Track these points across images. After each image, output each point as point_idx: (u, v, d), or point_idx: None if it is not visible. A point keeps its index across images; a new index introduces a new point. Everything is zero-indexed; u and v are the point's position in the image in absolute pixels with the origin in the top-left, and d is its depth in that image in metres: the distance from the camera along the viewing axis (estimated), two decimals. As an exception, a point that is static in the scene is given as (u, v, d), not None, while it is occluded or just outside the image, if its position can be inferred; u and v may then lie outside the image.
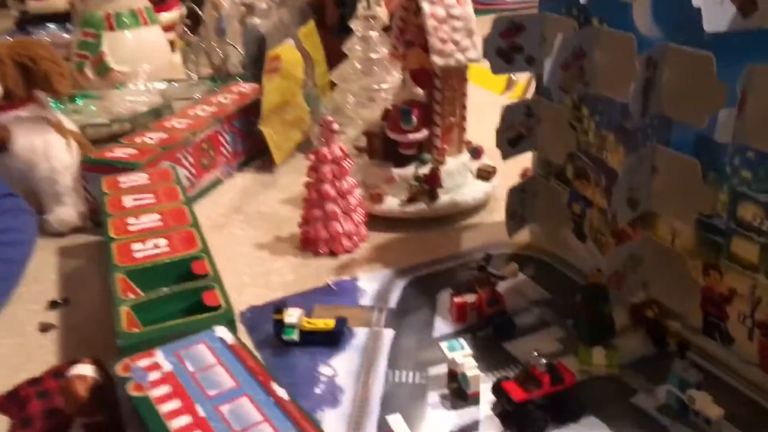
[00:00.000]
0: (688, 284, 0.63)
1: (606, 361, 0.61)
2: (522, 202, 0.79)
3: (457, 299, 0.68)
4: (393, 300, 0.73)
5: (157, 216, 0.74)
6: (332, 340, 0.66)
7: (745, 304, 0.58)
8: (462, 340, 0.61)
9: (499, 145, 0.75)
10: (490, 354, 0.64)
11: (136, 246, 0.68)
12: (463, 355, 0.59)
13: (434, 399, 0.59)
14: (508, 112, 0.74)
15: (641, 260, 0.67)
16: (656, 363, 0.62)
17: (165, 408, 0.47)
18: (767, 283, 0.56)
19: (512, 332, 0.66)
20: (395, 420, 0.52)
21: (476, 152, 0.93)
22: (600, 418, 0.56)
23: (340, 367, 0.63)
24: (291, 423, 0.46)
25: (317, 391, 0.60)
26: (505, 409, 0.57)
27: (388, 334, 0.68)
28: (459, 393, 0.59)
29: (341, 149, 0.80)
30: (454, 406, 0.58)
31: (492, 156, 0.97)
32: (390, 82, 1.02)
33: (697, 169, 0.58)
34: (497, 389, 0.57)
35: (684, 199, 0.61)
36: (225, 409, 0.48)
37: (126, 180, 0.82)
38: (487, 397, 0.59)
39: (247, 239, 0.86)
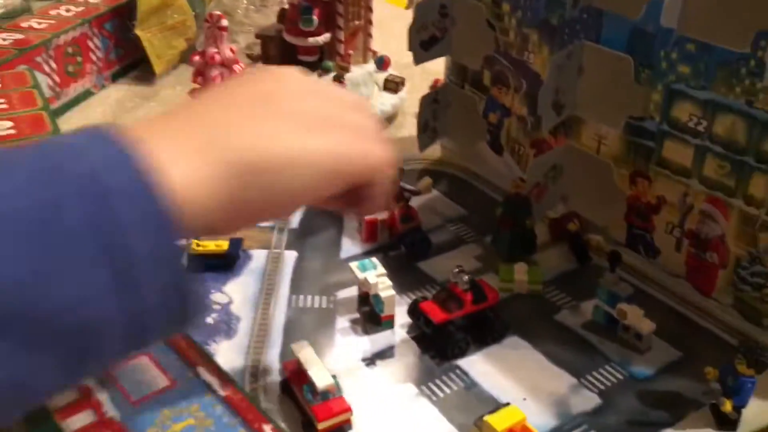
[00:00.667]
0: (613, 194, 0.58)
1: (528, 277, 0.56)
2: (434, 114, 0.73)
3: (367, 217, 0.61)
4: (295, 219, 0.65)
5: (9, 123, 0.62)
6: (226, 263, 0.58)
7: (674, 213, 0.55)
8: (374, 260, 0.55)
9: (411, 47, 0.67)
10: (403, 274, 0.57)
11: (-19, 157, 0.57)
12: (375, 275, 0.53)
13: (344, 324, 0.53)
14: (422, 10, 0.66)
15: (562, 171, 0.62)
16: (579, 279, 0.58)
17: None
18: (700, 189, 0.52)
19: (427, 251, 0.60)
20: (301, 347, 0.45)
21: (382, 62, 0.85)
22: (523, 338, 0.52)
23: (236, 293, 0.56)
24: (176, 355, 0.38)
25: (209, 320, 0.52)
26: (422, 332, 0.51)
27: (290, 256, 0.60)
28: (371, 317, 0.53)
29: (232, 50, 0.70)
30: (366, 331, 0.52)
31: (399, 69, 0.89)
32: (286, -18, 0.91)
33: (629, 66, 0.53)
34: (414, 311, 0.51)
35: (613, 101, 0.56)
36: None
37: (-28, 84, 0.69)
38: (401, 320, 0.53)
39: (124, 156, 0.75)
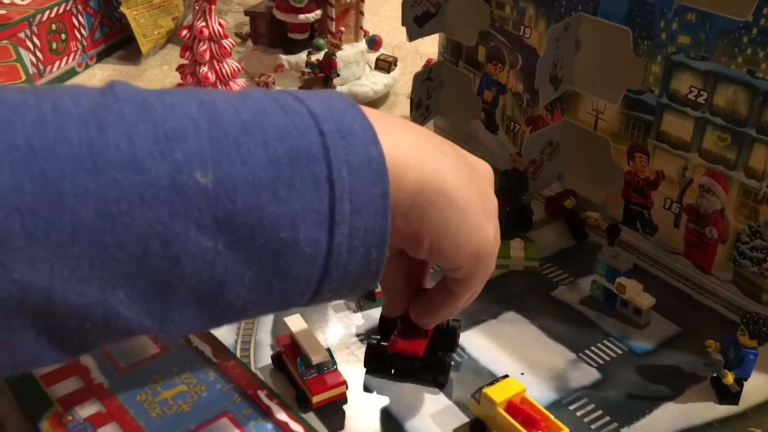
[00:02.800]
0: (611, 170, 0.58)
1: (524, 254, 0.55)
2: (427, 92, 0.72)
3: None
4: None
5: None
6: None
7: (672, 188, 0.54)
8: (368, 234, 0.53)
9: (404, 22, 0.66)
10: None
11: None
12: (370, 249, 0.52)
13: (337, 301, 0.51)
14: (416, -17, 0.65)
15: (558, 147, 0.62)
16: (576, 256, 0.57)
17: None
18: (700, 163, 0.51)
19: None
20: (294, 321, 0.44)
21: (374, 42, 0.84)
22: (521, 313, 0.51)
23: (226, 269, 0.54)
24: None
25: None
26: (418, 308, 0.50)
27: (281, 232, 0.59)
28: (365, 293, 0.52)
29: (220, 24, 0.68)
30: (361, 307, 0.51)
31: (390, 50, 0.88)
32: (276, -39, 0.89)
33: (628, 38, 0.53)
34: (378, 357, 0.49)
35: (611, 74, 0.55)
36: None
37: (-49, 58, 0.67)
38: (397, 296, 0.52)
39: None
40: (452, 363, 0.46)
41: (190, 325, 0.28)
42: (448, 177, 0.32)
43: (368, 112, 0.31)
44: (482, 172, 0.37)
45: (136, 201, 0.24)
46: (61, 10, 0.83)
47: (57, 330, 0.25)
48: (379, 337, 0.45)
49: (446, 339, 0.45)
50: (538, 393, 0.44)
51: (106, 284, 0.25)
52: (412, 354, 0.44)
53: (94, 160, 0.24)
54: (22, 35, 0.77)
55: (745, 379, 0.43)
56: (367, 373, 0.45)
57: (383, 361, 0.44)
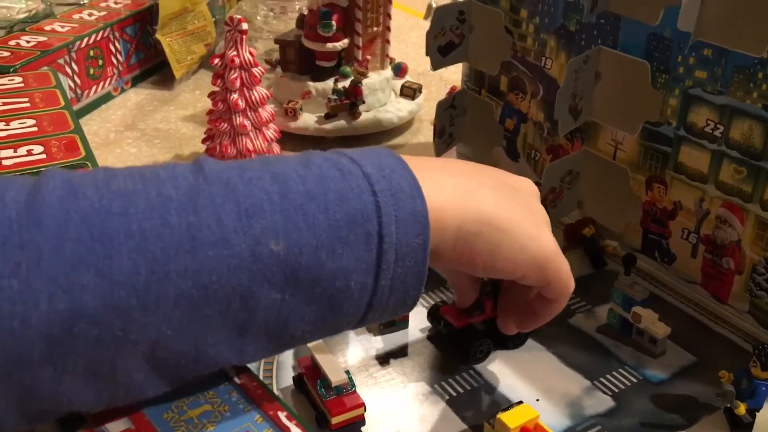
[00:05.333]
0: (630, 200, 0.59)
1: (543, 281, 0.56)
2: (451, 119, 0.73)
3: None
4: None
5: (31, 121, 0.63)
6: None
7: (690, 218, 0.55)
8: (389, 260, 0.55)
9: (428, 52, 0.68)
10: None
11: (4, 153, 0.58)
12: (390, 274, 0.53)
13: (358, 323, 0.53)
14: (440, 14, 0.67)
15: (578, 176, 0.63)
16: (594, 284, 0.58)
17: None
18: (717, 194, 0.52)
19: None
20: (315, 344, 0.46)
21: (399, 69, 0.86)
22: (538, 341, 0.52)
23: (251, 291, 0.56)
24: (193, 344, 0.38)
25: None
26: (438, 333, 0.52)
27: (305, 255, 0.60)
28: (385, 317, 0.53)
29: (251, 53, 0.71)
30: (381, 331, 0.52)
31: (415, 77, 0.90)
32: (305, -10, 0.92)
33: (646, 71, 0.54)
34: (434, 314, 0.51)
35: (630, 106, 0.56)
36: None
37: (-5, 84, 0.70)
38: (415, 321, 0.53)
39: (142, 157, 0.76)
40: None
41: (261, 354, 0.34)
42: (486, 206, 0.37)
43: (412, 162, 0.36)
44: (524, 189, 0.42)
45: (224, 271, 0.30)
46: (99, 37, 0.86)
47: (161, 369, 0.32)
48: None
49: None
50: (553, 419, 0.45)
51: (198, 334, 0.31)
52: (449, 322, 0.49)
53: (191, 241, 0.30)
54: (61, 61, 0.81)
55: (758, 410, 0.43)
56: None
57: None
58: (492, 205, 0.38)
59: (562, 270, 0.41)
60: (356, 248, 0.33)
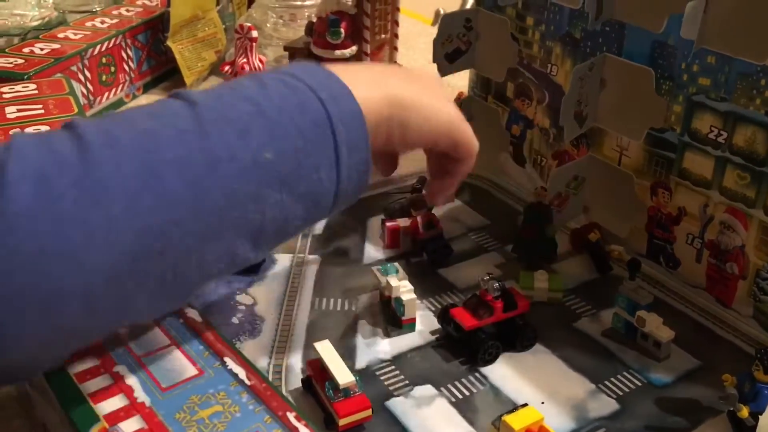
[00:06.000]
0: (635, 205, 0.59)
1: (548, 285, 0.57)
2: (457, 125, 0.74)
3: (389, 223, 0.62)
4: (319, 225, 0.66)
5: (45, 128, 0.64)
6: (251, 267, 0.59)
7: (694, 224, 0.55)
8: (396, 264, 0.56)
9: (435, 59, 0.69)
10: (425, 281, 0.59)
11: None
12: (397, 278, 0.54)
13: (365, 327, 0.54)
14: (447, 22, 0.67)
15: (583, 182, 0.63)
16: (599, 288, 0.58)
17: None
18: (720, 200, 0.53)
19: (448, 258, 0.61)
20: (323, 346, 0.46)
21: (407, 75, 0.87)
22: (542, 344, 0.52)
23: (260, 295, 0.57)
24: (204, 346, 0.39)
25: (234, 320, 0.54)
26: (445, 336, 0.52)
27: (314, 260, 0.61)
28: (392, 320, 0.54)
29: (260, 61, 0.72)
30: (387, 334, 0.53)
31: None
32: (314, -3, 0.94)
33: (651, 78, 0.54)
34: (444, 316, 0.52)
35: (634, 113, 0.57)
36: (124, 332, 0.41)
37: (9, 91, 0.71)
38: (422, 324, 0.54)
39: (154, 162, 0.77)
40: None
41: (272, 248, 0.43)
42: (396, 90, 0.45)
43: (335, 70, 0.43)
44: (425, 75, 0.51)
45: (239, 180, 0.37)
46: (111, 44, 0.87)
47: (207, 274, 0.39)
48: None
49: (516, 335, 0.52)
50: (557, 422, 0.45)
51: (230, 239, 0.38)
52: (459, 324, 0.51)
53: (213, 160, 0.36)
54: (74, 68, 0.82)
55: (761, 413, 0.43)
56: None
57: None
58: (400, 89, 0.45)
59: (466, 133, 0.49)
60: (320, 147, 0.40)
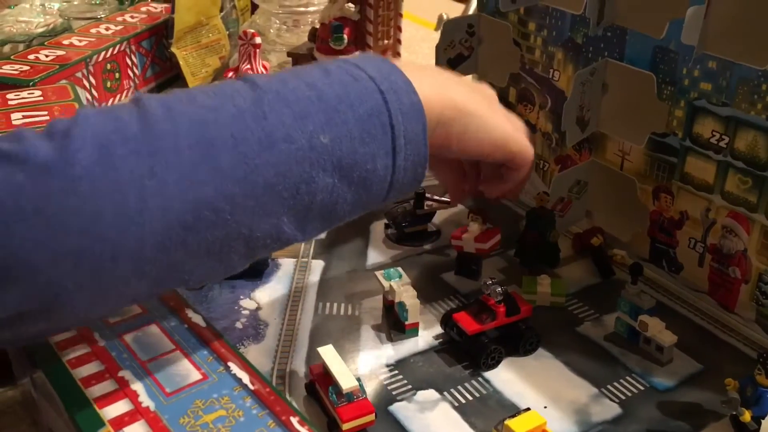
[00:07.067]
0: (637, 209, 0.59)
1: (551, 290, 0.57)
2: (460, 130, 0.74)
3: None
4: (322, 230, 0.66)
5: (51, 134, 0.65)
6: (255, 271, 0.60)
7: (696, 228, 0.55)
8: (400, 269, 0.56)
9: (438, 64, 0.69)
10: (428, 285, 0.59)
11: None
12: (401, 283, 0.54)
13: (368, 331, 0.54)
14: (450, 27, 0.68)
15: (586, 186, 0.63)
16: (602, 292, 0.59)
17: (57, 337, 0.40)
18: (722, 204, 0.53)
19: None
20: (327, 351, 0.47)
21: (410, 81, 0.87)
22: (545, 348, 0.52)
23: (264, 299, 0.57)
24: (208, 351, 0.40)
25: (238, 325, 0.54)
26: (448, 340, 0.52)
27: (318, 265, 0.62)
28: (395, 325, 0.54)
29: (264, 67, 0.72)
30: (391, 338, 0.53)
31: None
32: (317, 3, 0.94)
33: (652, 82, 0.55)
34: (447, 321, 0.52)
35: (637, 117, 0.57)
36: (129, 337, 0.41)
37: (15, 97, 0.72)
38: (425, 329, 0.54)
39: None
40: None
41: (318, 232, 0.43)
42: (458, 97, 0.46)
43: (401, 66, 0.44)
44: (485, 89, 0.52)
45: (292, 161, 0.38)
46: (116, 51, 0.88)
47: (252, 249, 0.40)
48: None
49: (519, 340, 0.52)
50: (560, 426, 0.46)
51: (278, 216, 0.39)
52: (462, 328, 0.51)
53: (268, 140, 0.38)
54: (79, 75, 0.82)
55: (763, 417, 0.43)
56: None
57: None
58: (462, 96, 0.46)
59: (523, 145, 0.50)
60: (377, 137, 0.41)
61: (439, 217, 0.67)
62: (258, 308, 0.56)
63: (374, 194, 0.43)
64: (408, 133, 0.42)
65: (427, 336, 0.54)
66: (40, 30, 1.04)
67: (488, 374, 0.50)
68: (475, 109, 0.47)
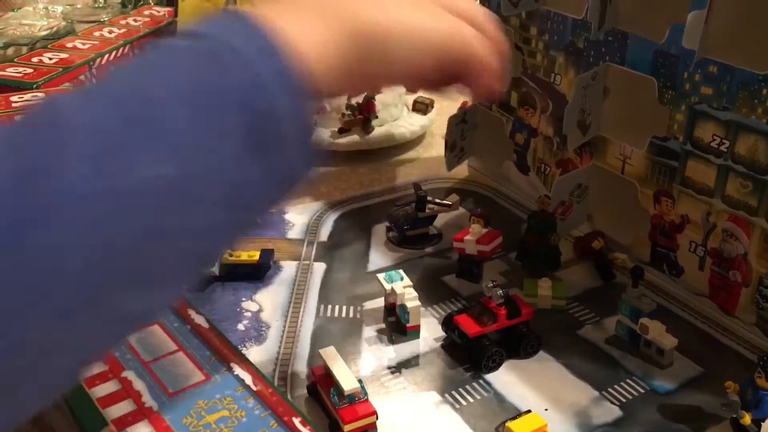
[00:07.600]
0: (638, 213, 0.59)
1: (552, 293, 0.57)
2: (462, 134, 0.75)
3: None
4: (324, 233, 0.67)
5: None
6: (257, 273, 0.60)
7: (697, 232, 0.56)
8: (401, 272, 0.56)
9: (439, 68, 0.69)
10: (429, 288, 0.59)
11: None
12: (402, 286, 0.54)
13: (370, 334, 0.54)
14: (451, 32, 0.68)
15: (587, 190, 0.64)
16: (603, 296, 0.59)
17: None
18: (723, 208, 0.53)
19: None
20: (328, 353, 0.47)
21: (411, 84, 0.87)
22: (547, 351, 0.53)
23: (266, 302, 0.57)
24: (210, 352, 0.40)
25: (240, 327, 0.54)
26: (449, 343, 0.53)
27: (319, 267, 0.62)
28: (397, 327, 0.54)
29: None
30: (392, 341, 0.53)
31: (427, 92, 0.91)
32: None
33: (653, 87, 0.55)
34: (448, 323, 0.53)
35: (638, 121, 0.57)
36: (132, 338, 0.41)
37: (19, 100, 0.72)
38: (427, 331, 0.54)
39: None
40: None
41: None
42: (362, 19, 0.33)
43: (273, 14, 0.31)
44: None
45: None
46: (119, 54, 0.88)
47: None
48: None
49: (520, 342, 0.52)
50: (561, 429, 0.46)
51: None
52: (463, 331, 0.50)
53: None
54: (82, 77, 0.83)
55: (763, 420, 0.44)
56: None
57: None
58: (366, 16, 0.34)
59: (471, 44, 0.36)
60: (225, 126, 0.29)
61: (441, 220, 0.67)
62: (260, 310, 0.56)
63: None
64: (294, 121, 0.30)
65: (428, 338, 0.54)
66: (44, 33, 1.05)
67: (489, 377, 0.50)
68: (390, 25, 0.34)
